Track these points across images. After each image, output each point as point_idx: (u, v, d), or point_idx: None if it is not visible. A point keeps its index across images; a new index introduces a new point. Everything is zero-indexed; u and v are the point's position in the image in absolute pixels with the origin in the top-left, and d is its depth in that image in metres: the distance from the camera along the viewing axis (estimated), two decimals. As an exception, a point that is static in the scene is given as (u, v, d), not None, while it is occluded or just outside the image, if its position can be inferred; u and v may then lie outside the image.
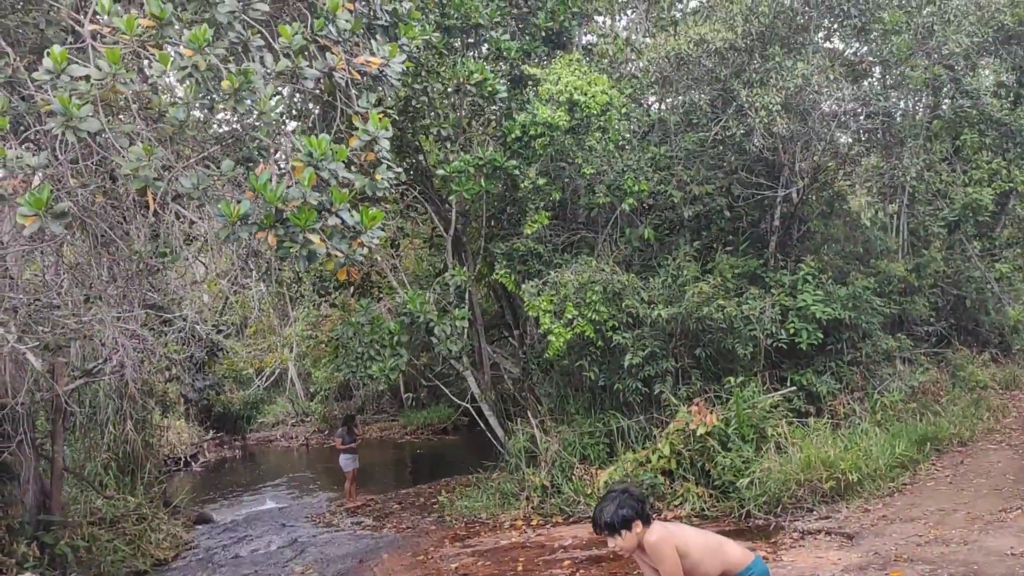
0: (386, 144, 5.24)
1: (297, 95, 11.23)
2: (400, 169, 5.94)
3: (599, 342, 11.61)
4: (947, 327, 13.71)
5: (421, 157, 13.96)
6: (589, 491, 11.12)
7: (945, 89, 13.73)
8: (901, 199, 13.68)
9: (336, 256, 5.02)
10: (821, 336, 11.52)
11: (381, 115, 5.36)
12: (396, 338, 12.59)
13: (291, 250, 4.74)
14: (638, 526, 4.03)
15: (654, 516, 4.19)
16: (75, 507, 11.36)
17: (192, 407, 24.74)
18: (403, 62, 5.75)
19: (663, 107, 14.78)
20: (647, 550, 4.05)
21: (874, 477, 9.47)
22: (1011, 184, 14.59)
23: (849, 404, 11.30)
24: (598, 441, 11.94)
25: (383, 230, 13.98)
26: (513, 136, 11.98)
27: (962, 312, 14.02)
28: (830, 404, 11.33)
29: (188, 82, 4.19)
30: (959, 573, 6.58)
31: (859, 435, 10.33)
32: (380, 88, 5.65)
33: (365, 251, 5.26)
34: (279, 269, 13.51)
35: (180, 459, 21.70)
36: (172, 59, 4.17)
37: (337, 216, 4.93)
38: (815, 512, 9.09)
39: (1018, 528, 7.56)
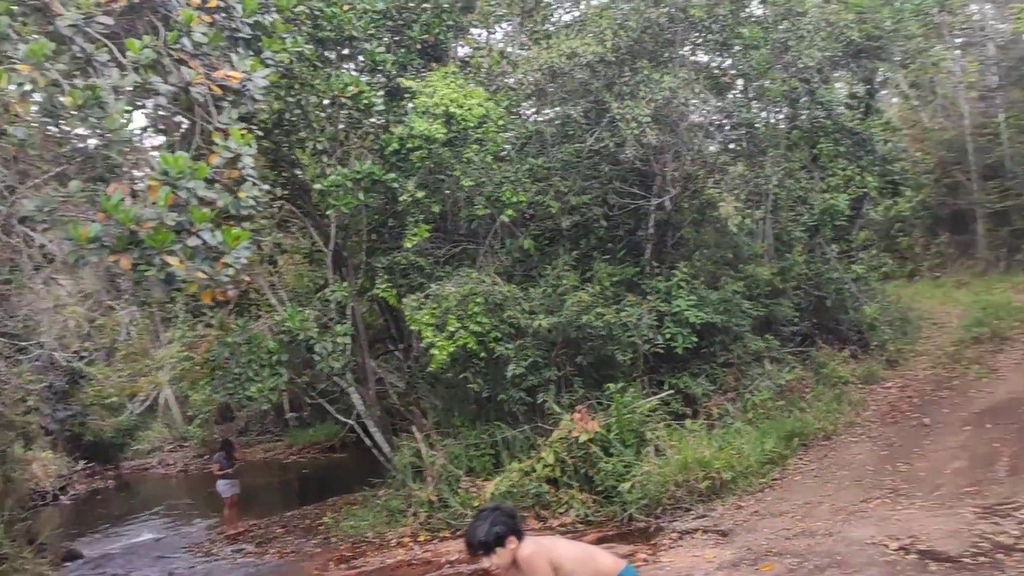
0: (250, 160, 5.11)
1: (160, 111, 10.84)
2: (267, 186, 5.81)
3: (482, 354, 11.65)
4: (810, 326, 14.39)
5: (298, 171, 13.71)
6: (476, 503, 11.10)
7: (802, 101, 14.45)
8: (766, 205, 14.33)
9: (198, 278, 4.86)
10: (695, 340, 11.92)
11: (244, 131, 5.24)
12: (276, 357, 12.30)
13: (147, 273, 4.56)
14: (512, 541, 4.04)
15: (526, 530, 4.23)
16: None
17: (57, 438, 23.40)
18: (267, 76, 5.63)
19: (539, 119, 15.00)
20: (521, 565, 4.05)
21: (746, 474, 9.83)
22: (864, 189, 15.49)
23: (723, 404, 11.72)
24: (484, 453, 11.97)
25: (259, 247, 13.66)
26: (391, 149, 11.92)
27: (824, 312, 14.74)
28: (705, 405, 11.72)
29: (26, 100, 3.98)
30: (824, 564, 6.90)
31: (732, 434, 10.72)
32: (244, 103, 5.51)
33: (231, 272, 5.12)
34: (146, 290, 12.99)
35: (47, 492, 20.47)
36: (9, 75, 3.95)
37: (198, 236, 4.78)
38: (692, 512, 9.37)
39: (878, 517, 7.99)
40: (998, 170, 25.62)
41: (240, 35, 5.75)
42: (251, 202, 5.15)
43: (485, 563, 4.07)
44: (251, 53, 5.85)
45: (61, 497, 21.19)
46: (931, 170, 25.41)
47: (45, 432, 21.57)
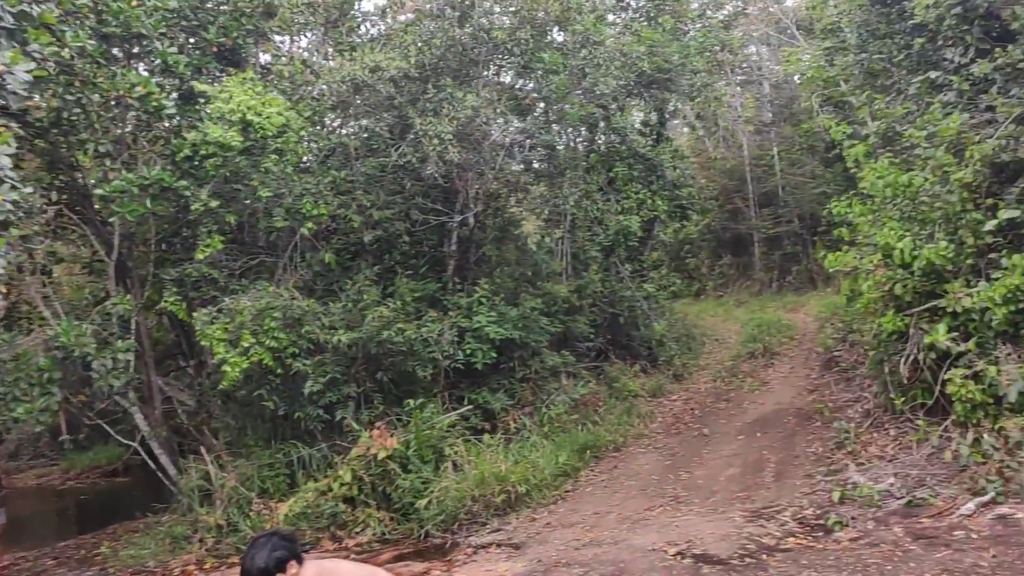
0: (7, 161, 4.68)
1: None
2: (30, 188, 5.32)
3: (278, 370, 11.28)
4: (604, 342, 15.07)
5: (78, 175, 12.74)
6: (268, 526, 10.70)
7: (600, 126, 15.15)
8: (564, 225, 14.86)
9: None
10: (495, 355, 12.13)
11: (2, 128, 4.79)
12: (47, 375, 11.30)
13: None
14: (293, 566, 3.95)
15: (306, 554, 4.12)
16: None
17: None
18: (32, 71, 5.18)
19: (344, 131, 14.79)
20: None
21: (540, 487, 10.10)
22: (655, 212, 16.44)
23: (520, 419, 11.99)
24: (278, 473, 11.56)
25: (30, 255, 12.55)
26: (183, 155, 11.33)
27: (617, 328, 15.48)
28: (503, 420, 11.94)
29: None
30: (608, 572, 7.19)
31: (528, 448, 10.99)
32: (2, 97, 5.03)
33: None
34: None
35: None
36: None
37: (-55, 244, 4.32)
38: (488, 526, 9.49)
39: (659, 524, 8.44)
40: (772, 198, 28.01)
41: (1, 25, 5.26)
42: (8, 206, 4.71)
43: None
44: (15, 44, 5.37)
45: None
46: (716, 196, 27.42)
47: None
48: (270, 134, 11.37)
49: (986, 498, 7.28)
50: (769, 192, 28.17)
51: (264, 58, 14.65)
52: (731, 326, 20.69)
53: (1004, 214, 8.87)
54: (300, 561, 4.00)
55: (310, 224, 12.00)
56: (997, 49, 10.23)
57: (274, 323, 11.01)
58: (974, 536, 6.46)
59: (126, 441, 13.41)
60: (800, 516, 7.97)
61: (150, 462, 13.12)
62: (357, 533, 10.23)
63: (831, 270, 11.08)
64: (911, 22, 11.40)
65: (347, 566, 4.34)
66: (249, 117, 11.17)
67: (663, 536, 7.93)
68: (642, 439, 12.22)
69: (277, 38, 15.04)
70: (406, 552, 9.36)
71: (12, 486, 16.86)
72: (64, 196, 12.75)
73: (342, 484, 10.64)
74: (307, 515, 10.60)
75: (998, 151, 9.23)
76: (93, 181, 12.18)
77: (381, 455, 10.53)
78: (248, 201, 11.91)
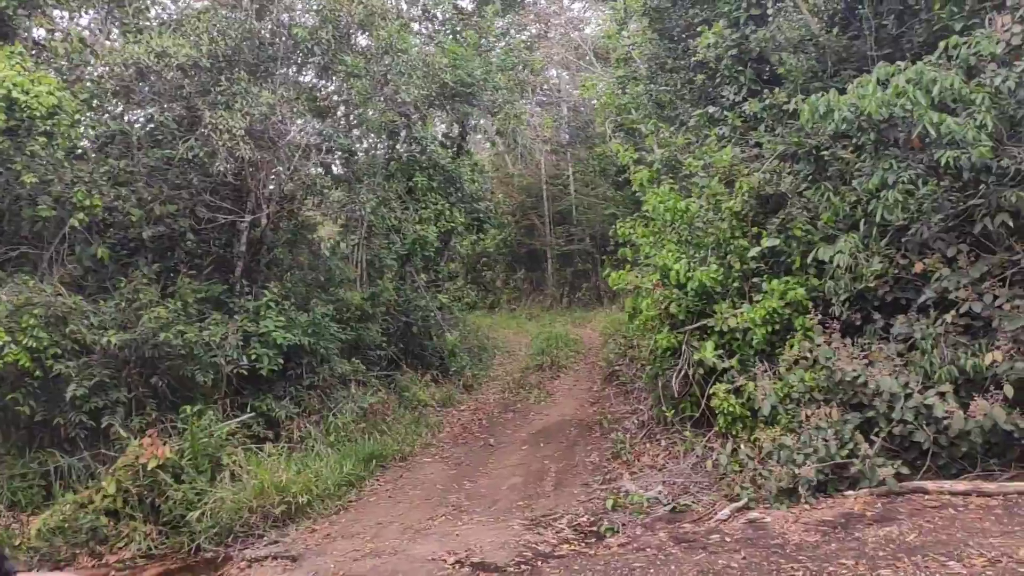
0: None
1: None
2: None
3: (37, 372, 10.33)
4: (397, 351, 15.00)
5: None
6: (17, 542, 9.74)
7: (401, 135, 15.12)
8: (360, 231, 14.68)
9: None
10: (282, 361, 11.75)
11: None
12: None
13: None
14: None
15: (18, 570, 3.75)
16: None
17: None
18: None
19: (129, 118, 13.83)
20: None
21: (323, 497, 9.85)
22: (453, 224, 16.60)
23: (306, 427, 11.67)
24: (32, 484, 10.57)
25: None
26: (-69, 130, 10.16)
27: (410, 338, 15.46)
28: (288, 428, 11.58)
29: None
30: (386, 582, 7.14)
31: (313, 457, 10.70)
32: None
33: None
34: None
35: None
36: None
37: None
38: (265, 538, 9.13)
39: (441, 533, 8.48)
40: (566, 217, 29.12)
41: None
42: None
43: None
44: None
45: None
46: (513, 212, 28.13)
47: None
48: (38, 115, 10.44)
49: (740, 503, 7.88)
50: (563, 211, 29.27)
51: (38, 32, 13.44)
52: (522, 339, 21.25)
53: (766, 242, 9.70)
54: None
55: (82, 215, 11.10)
56: (766, 91, 11.22)
57: (34, 320, 10.09)
58: (728, 539, 6.97)
59: None
60: (576, 523, 8.27)
61: None
62: (120, 548, 9.51)
63: (615, 288, 11.63)
64: (694, 59, 12.28)
65: None
66: (15, 95, 10.21)
67: (443, 545, 7.97)
68: (429, 449, 12.25)
69: (56, 12, 13.86)
70: (173, 567, 8.84)
71: None
72: None
73: (105, 496, 9.86)
74: (63, 529, 9.73)
75: (763, 184, 10.10)
76: None
77: (151, 465, 9.87)
78: (10, 186, 10.86)
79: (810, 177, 10.00)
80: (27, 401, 10.55)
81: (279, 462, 10.24)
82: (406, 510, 9.50)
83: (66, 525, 9.78)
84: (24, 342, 10.02)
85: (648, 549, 7.04)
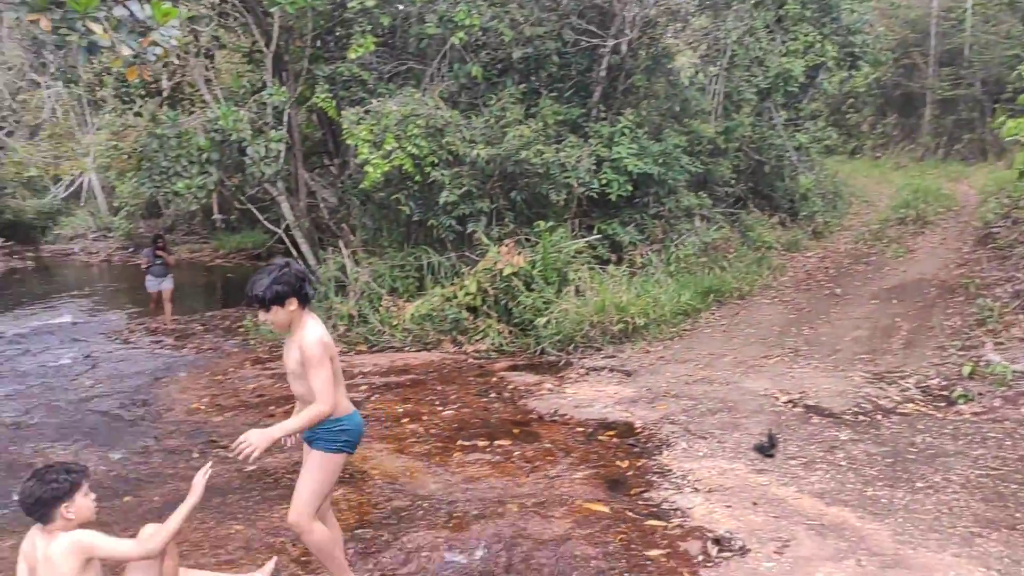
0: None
1: None
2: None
3: (417, 177, 11.53)
4: (745, 190, 14.60)
5: (242, -41, 12.88)
6: (395, 322, 11.33)
7: (777, -44, 14.01)
8: (721, 62, 14.11)
9: (123, 53, 4.59)
10: (631, 188, 11.98)
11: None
12: (206, 155, 11.99)
13: (69, 39, 4.29)
14: (292, 303, 3.77)
15: (311, 302, 3.93)
16: None
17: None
18: None
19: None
20: (302, 345, 3.77)
21: (659, 322, 10.19)
22: (822, 58, 15.34)
23: (648, 255, 11.96)
24: (408, 275, 12.09)
25: (196, 38, 12.98)
26: (341, -50, 11.25)
27: (760, 177, 14.93)
28: (630, 254, 11.94)
29: None
30: (715, 407, 7.31)
31: (651, 284, 11.01)
32: None
33: (160, 51, 4.86)
34: (73, 67, 12.34)
35: (-39, 268, 20.14)
36: None
37: (125, 7, 4.49)
38: (602, 351, 9.72)
39: (774, 372, 8.43)
40: (955, 57, 25.62)
41: None
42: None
43: (262, 318, 3.87)
44: None
45: (-24, 274, 20.87)
46: (892, 48, 25.25)
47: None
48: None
49: None
50: (953, 50, 25.76)
51: None
52: (884, 189, 19.63)
53: None
54: (303, 303, 3.83)
55: (461, 34, 11.83)
56: None
57: (417, 130, 11.14)
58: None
59: (272, 227, 14.22)
60: (924, 384, 7.77)
61: (292, 250, 13.92)
62: (476, 340, 10.68)
63: (1007, 139, 10.20)
64: None
65: (335, 352, 4.00)
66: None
67: (776, 384, 7.94)
68: (769, 290, 12.02)
69: None
70: (520, 364, 9.75)
71: (178, 258, 18.14)
72: (229, -19, 12.98)
73: (467, 293, 11.03)
74: (431, 317, 11.11)
75: None
76: (256, -32, 12.32)
77: (507, 271, 10.79)
78: (403, 6, 11.81)
79: None
80: (407, 202, 11.89)
81: (620, 284, 10.67)
82: (740, 346, 9.53)
83: (434, 314, 11.14)
84: (408, 149, 11.15)
85: (1007, 422, 6.47)
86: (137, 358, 11.55)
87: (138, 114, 15.11)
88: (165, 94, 14.23)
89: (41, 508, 3.42)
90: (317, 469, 3.94)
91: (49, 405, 8.96)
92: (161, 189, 12.51)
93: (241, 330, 13.08)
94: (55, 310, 16.19)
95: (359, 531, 5.05)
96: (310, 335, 3.78)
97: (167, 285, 13.91)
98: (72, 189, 27.62)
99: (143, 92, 14.15)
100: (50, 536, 3.43)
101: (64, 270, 23.83)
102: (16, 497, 3.57)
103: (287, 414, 7.94)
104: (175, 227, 25.33)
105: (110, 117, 17.86)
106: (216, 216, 24.52)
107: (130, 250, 25.18)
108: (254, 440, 3.61)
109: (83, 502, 3.48)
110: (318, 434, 3.92)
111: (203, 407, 8.63)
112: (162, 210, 25.49)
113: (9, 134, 12.35)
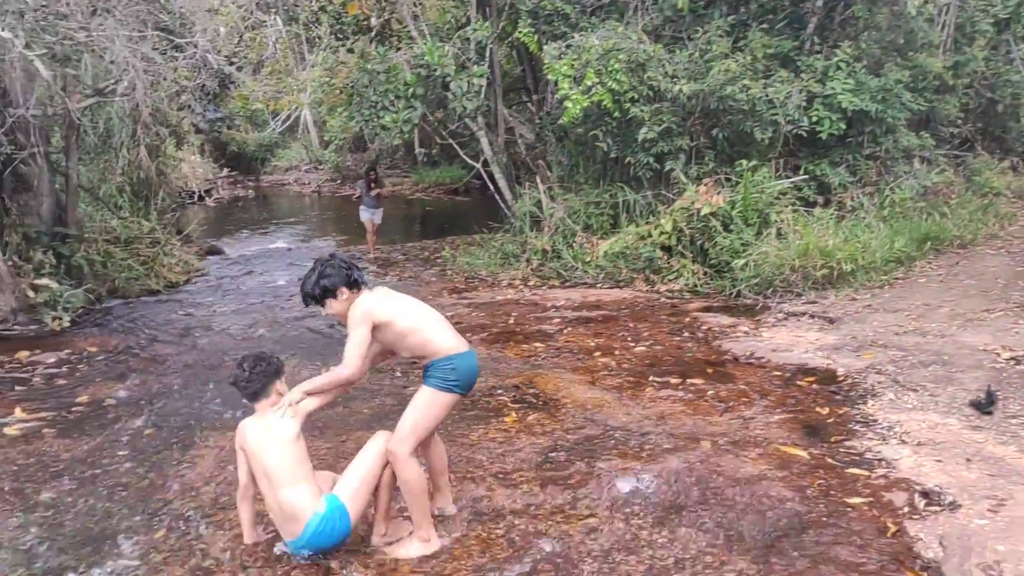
0: None
1: None
2: None
3: (616, 113, 11.39)
4: (974, 130, 13.36)
5: None
6: (588, 259, 11.37)
7: None
8: (955, -10, 12.86)
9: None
10: (843, 127, 11.25)
11: None
12: (411, 90, 12.39)
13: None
14: (344, 292, 3.90)
15: (365, 284, 3.98)
16: (90, 224, 11.70)
17: (206, 143, 24.81)
18: None
19: None
20: (350, 314, 3.93)
21: (868, 269, 9.58)
22: (1075, -17, 13.64)
23: (859, 198, 11.24)
24: (603, 211, 12.05)
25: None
26: None
27: (992, 116, 13.59)
28: (839, 196, 11.26)
29: None
30: (928, 360, 6.83)
31: (862, 228, 10.35)
32: None
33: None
34: (295, 5, 13.04)
35: (194, 193, 22.12)
36: None
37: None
38: (803, 297, 9.29)
39: (996, 328, 7.75)
40: None
41: None
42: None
43: (323, 312, 3.99)
44: None
45: (206, 199, 22.86)
46: None
47: (196, 130, 22.89)
48: None
49: None
50: None
51: None
52: None
53: None
54: (354, 288, 3.92)
55: (668, -37, 11.46)
56: None
57: (618, 65, 10.96)
58: None
59: (471, 162, 14.56)
60: None
61: (490, 185, 14.24)
62: (669, 280, 10.53)
63: None
64: None
65: (406, 303, 4.07)
66: None
67: (997, 339, 7.30)
68: (994, 240, 11.02)
69: None
70: (715, 305, 9.53)
71: (389, 190, 18.95)
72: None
73: (662, 232, 10.86)
74: (625, 255, 11.05)
75: None
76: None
77: (704, 211, 10.50)
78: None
79: None
80: (605, 139, 11.79)
81: (826, 227, 10.11)
82: (958, 298, 8.82)
83: (627, 252, 11.07)
84: (608, 84, 11.00)
85: None
86: (345, 282, 12.26)
87: (350, 51, 15.79)
88: (375, 31, 14.77)
89: (262, 381, 3.88)
90: (425, 404, 3.96)
91: (269, 321, 9.75)
92: (369, 123, 13.08)
93: (439, 260, 13.60)
94: (272, 236, 17.48)
95: (552, 454, 5.17)
96: (357, 306, 3.90)
97: (378, 218, 14.43)
98: (288, 123, 29.49)
99: (355, 29, 14.75)
100: (262, 416, 3.91)
101: (279, 199, 25.64)
102: (234, 381, 3.93)
103: (482, 342, 8.23)
104: (379, 161, 26.51)
105: (324, 55, 18.76)
106: (418, 150, 25.45)
107: (338, 182, 26.68)
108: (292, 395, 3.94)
109: (283, 384, 3.99)
110: (430, 371, 3.98)
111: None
112: (368, 144, 26.72)
113: (239, 69, 13.28)
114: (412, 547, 3.98)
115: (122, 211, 13.04)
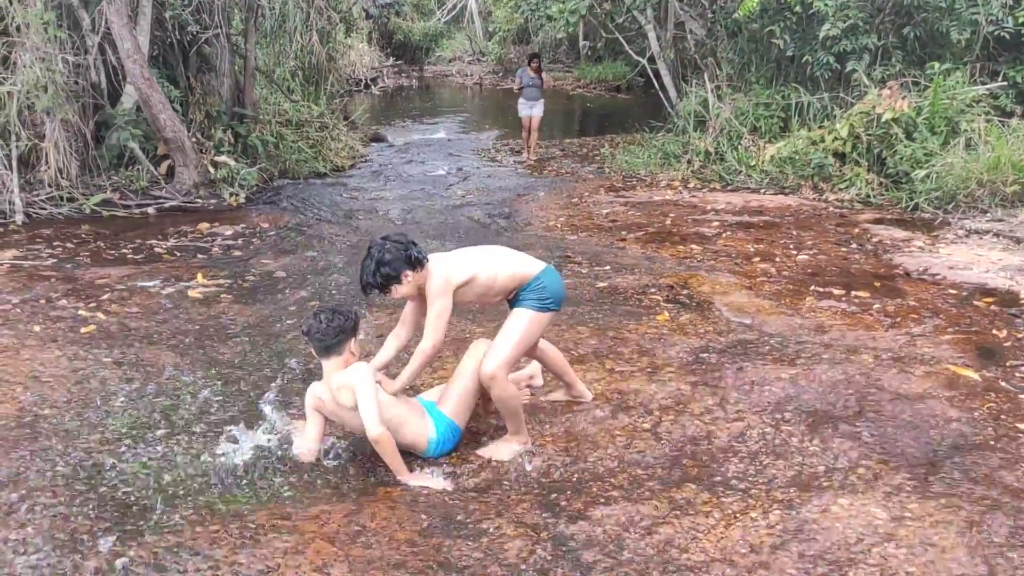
0: None
1: None
2: None
3: (796, 7, 10.71)
4: None
5: None
6: (753, 162, 10.92)
7: None
8: None
9: None
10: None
11: None
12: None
13: None
14: (408, 275, 3.69)
15: (425, 258, 3.75)
16: (265, 106, 12.23)
17: (374, 30, 25.21)
18: None
19: None
20: (427, 290, 3.76)
21: (1066, 188, 8.74)
22: None
23: (1064, 110, 10.18)
24: (773, 114, 11.49)
25: None
26: None
27: None
28: (1042, 107, 10.24)
29: None
30: None
31: (1068, 144, 9.39)
32: None
33: None
34: None
35: (361, 80, 22.65)
36: None
37: None
38: (989, 214, 8.60)
39: None
40: None
41: None
42: None
43: (388, 298, 3.82)
44: None
45: (372, 87, 23.38)
46: None
47: (366, 15, 23.29)
48: None
49: None
50: None
51: None
52: None
53: None
54: (416, 266, 3.71)
55: None
56: None
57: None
58: None
59: (637, 58, 14.13)
60: None
61: (654, 82, 13.81)
62: (840, 189, 9.99)
63: None
64: None
65: (464, 255, 3.92)
66: None
67: None
68: None
69: None
70: (888, 218, 8.99)
71: (551, 83, 18.81)
72: None
73: (836, 138, 10.26)
74: (793, 161, 10.55)
75: None
76: None
77: (886, 116, 9.81)
78: None
79: None
80: (782, 35, 11.14)
81: (1023, 140, 9.24)
82: None
83: (796, 157, 10.55)
84: (791, -25, 10.31)
85: None
86: (502, 175, 12.38)
87: (520, -63, 15.46)
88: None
89: (337, 336, 3.73)
90: (524, 326, 3.89)
91: (428, 208, 9.99)
92: (536, 12, 12.86)
93: (597, 158, 13.43)
94: (433, 126, 17.74)
95: (703, 355, 5.10)
96: (434, 279, 3.72)
97: (538, 112, 13.47)
98: (454, 13, 29.49)
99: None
100: (338, 373, 3.74)
101: (441, 90, 25.88)
102: (308, 331, 3.79)
103: (637, 240, 8.14)
104: (541, 54, 26.21)
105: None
106: (582, 43, 24.90)
107: (499, 75, 26.60)
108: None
109: (356, 344, 3.86)
110: (522, 296, 3.90)
111: (559, 225, 9.09)
112: (532, 37, 26.39)
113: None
114: (510, 447, 4.01)
115: (294, 95, 13.53)
